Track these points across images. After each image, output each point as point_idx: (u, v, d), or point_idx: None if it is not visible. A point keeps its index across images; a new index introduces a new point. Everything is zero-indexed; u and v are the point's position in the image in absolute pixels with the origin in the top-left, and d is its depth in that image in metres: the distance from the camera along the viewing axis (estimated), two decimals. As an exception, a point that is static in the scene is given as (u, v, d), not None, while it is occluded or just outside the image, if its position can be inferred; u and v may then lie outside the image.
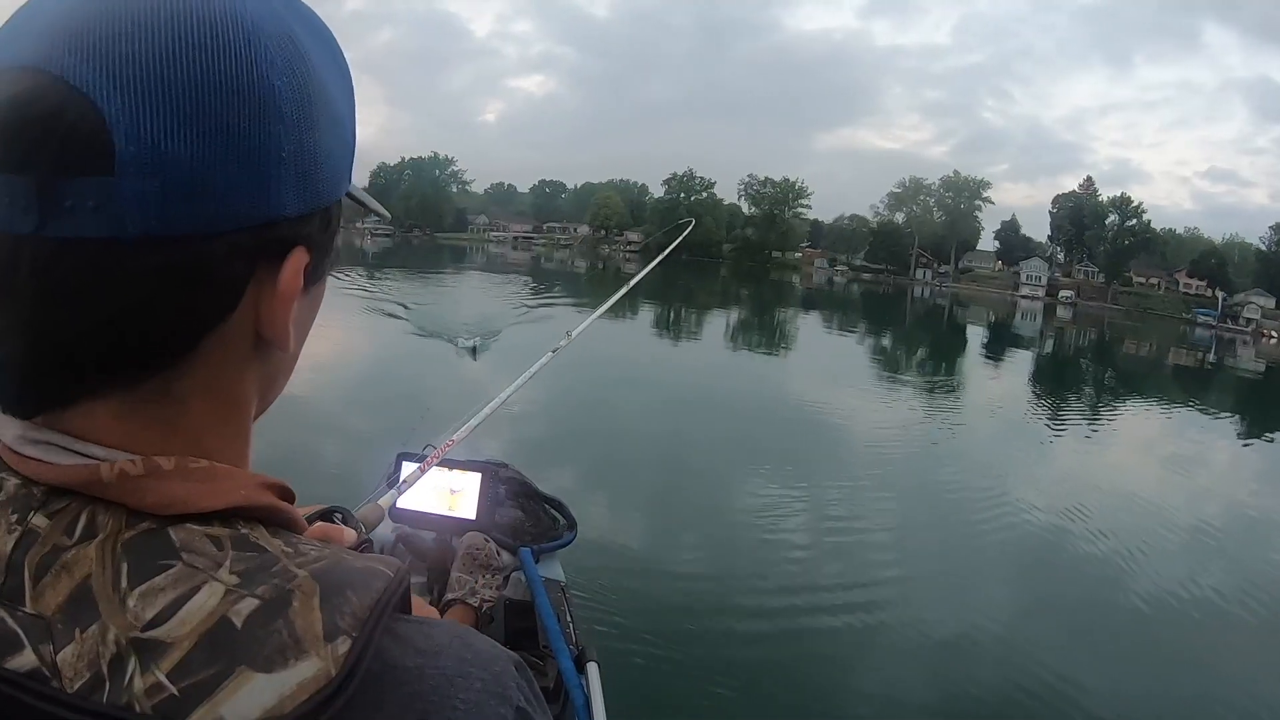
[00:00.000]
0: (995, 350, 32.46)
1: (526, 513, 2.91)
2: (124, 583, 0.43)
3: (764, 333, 29.63)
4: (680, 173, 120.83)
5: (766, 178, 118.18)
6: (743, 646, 5.00)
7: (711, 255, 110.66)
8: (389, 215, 0.71)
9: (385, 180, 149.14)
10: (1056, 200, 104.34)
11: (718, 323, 32.77)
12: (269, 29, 0.47)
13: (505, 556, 2.56)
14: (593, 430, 10.38)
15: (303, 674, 0.41)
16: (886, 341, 30.29)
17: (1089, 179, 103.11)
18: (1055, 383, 23.53)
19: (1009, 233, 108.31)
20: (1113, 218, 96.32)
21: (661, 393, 13.63)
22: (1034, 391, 20.81)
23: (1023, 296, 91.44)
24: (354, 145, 0.55)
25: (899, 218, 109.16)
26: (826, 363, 21.77)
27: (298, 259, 0.49)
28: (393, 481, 2.27)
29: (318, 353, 11.27)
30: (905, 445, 11.72)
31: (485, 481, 2.49)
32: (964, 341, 35.88)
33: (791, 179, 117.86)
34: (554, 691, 2.23)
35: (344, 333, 15.39)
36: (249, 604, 0.43)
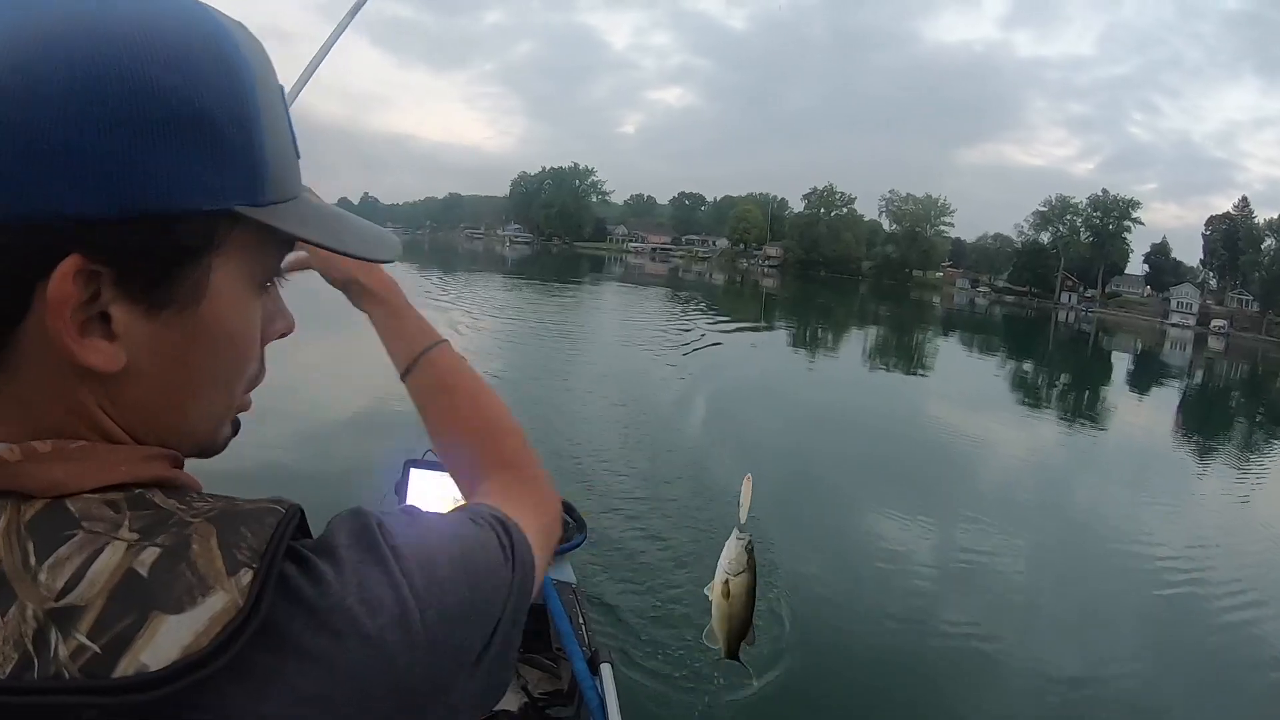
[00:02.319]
0: (1140, 381, 31.24)
1: None
2: (32, 560, 0.44)
3: (898, 352, 29.49)
4: (820, 187, 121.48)
5: (908, 194, 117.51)
6: (760, 646, 4.72)
7: (851, 273, 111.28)
8: (353, 249, 0.62)
9: (525, 189, 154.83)
10: (1209, 222, 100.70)
11: (832, 336, 32.97)
12: (73, 11, 0.45)
13: None
14: (641, 432, 10.13)
15: (213, 608, 0.43)
16: (1027, 367, 29.73)
17: (1244, 199, 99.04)
18: (1203, 420, 22.42)
19: (1159, 256, 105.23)
20: (1269, 242, 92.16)
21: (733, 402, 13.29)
22: (1179, 428, 19.81)
23: (1172, 325, 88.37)
24: (238, 157, 0.50)
25: (1044, 238, 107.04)
26: (958, 385, 20.96)
27: (69, 265, 0.45)
28: (400, 487, 2.51)
29: (327, 361, 11.74)
30: (1034, 476, 11.32)
31: None
32: (1108, 371, 34.82)
33: (934, 195, 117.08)
34: (568, 693, 2.33)
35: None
36: (151, 553, 0.44)
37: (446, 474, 2.41)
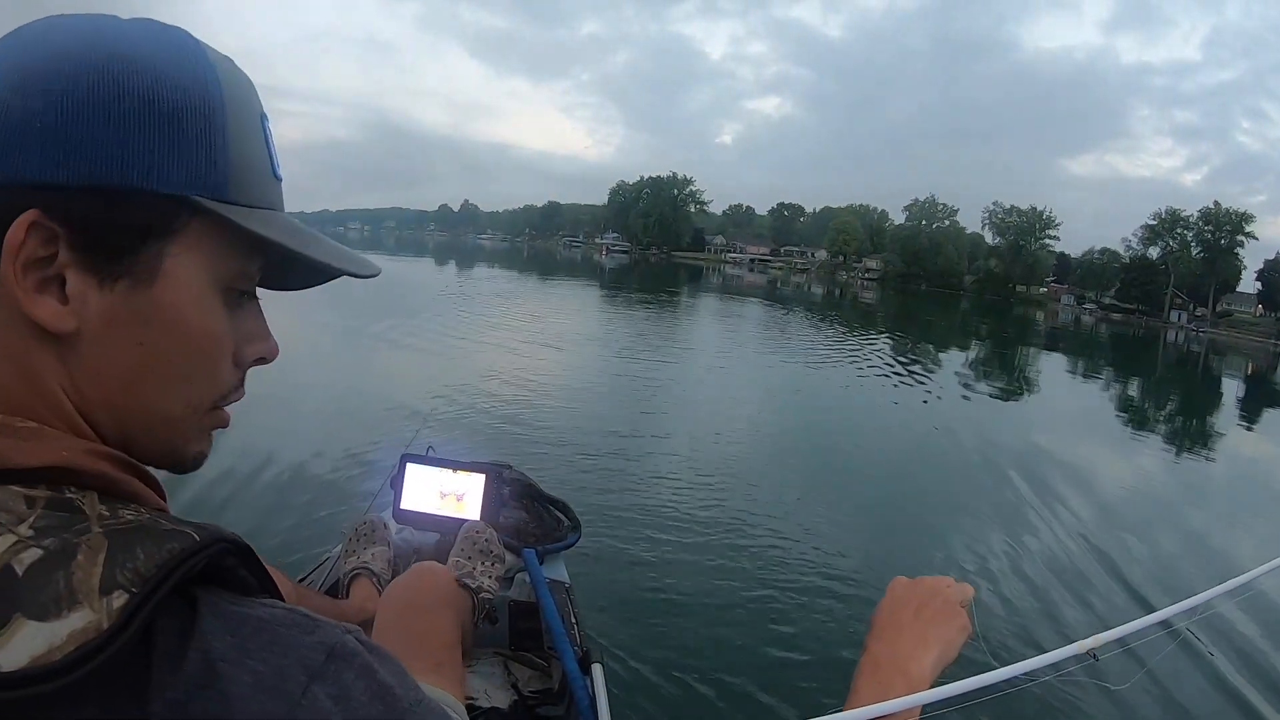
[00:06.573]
0: (1251, 409, 28.12)
1: (530, 514, 2.92)
2: None
3: (992, 369, 26.72)
4: (922, 199, 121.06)
5: (1012, 206, 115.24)
6: (753, 649, 4.71)
7: (952, 287, 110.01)
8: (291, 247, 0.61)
9: (624, 198, 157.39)
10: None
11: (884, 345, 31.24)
12: (80, 34, 0.54)
13: (508, 556, 2.56)
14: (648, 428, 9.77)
15: (74, 624, 0.42)
16: (1133, 390, 27.84)
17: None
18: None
19: (1273, 274, 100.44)
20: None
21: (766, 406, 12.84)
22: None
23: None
24: (197, 152, 0.55)
25: (1153, 253, 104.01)
26: (1064, 406, 19.63)
27: (26, 216, 0.51)
28: (396, 482, 2.54)
29: (325, 357, 11.92)
30: (1137, 507, 10.00)
31: (489, 483, 2.51)
32: (1218, 396, 34.00)
33: (1038, 207, 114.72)
34: (559, 692, 2.32)
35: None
36: (33, 554, 0.44)
37: (443, 469, 2.56)
